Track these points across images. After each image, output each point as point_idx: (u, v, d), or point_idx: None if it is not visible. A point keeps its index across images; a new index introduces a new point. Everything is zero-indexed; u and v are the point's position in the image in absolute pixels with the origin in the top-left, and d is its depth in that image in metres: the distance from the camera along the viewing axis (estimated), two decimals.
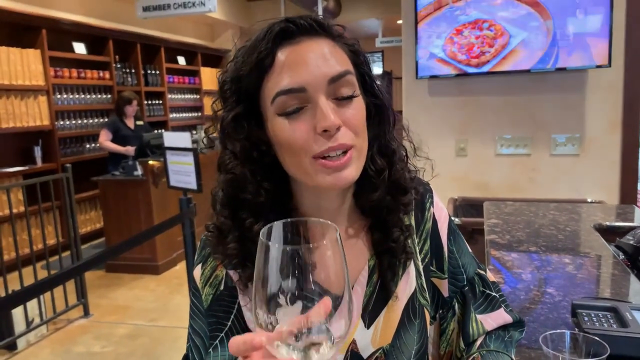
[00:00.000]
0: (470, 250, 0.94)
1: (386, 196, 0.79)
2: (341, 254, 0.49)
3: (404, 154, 0.83)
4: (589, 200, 2.75)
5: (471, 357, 0.85)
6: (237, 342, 0.51)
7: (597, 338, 0.77)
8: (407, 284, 0.83)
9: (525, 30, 2.71)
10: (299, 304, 0.47)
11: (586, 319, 1.00)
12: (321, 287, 0.49)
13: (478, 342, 0.87)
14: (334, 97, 0.71)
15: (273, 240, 0.50)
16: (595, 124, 2.80)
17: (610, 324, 0.97)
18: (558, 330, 0.80)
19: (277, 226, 0.51)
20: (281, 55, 0.70)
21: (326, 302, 0.49)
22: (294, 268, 0.47)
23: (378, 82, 0.79)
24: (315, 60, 0.69)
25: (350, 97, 0.72)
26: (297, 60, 0.69)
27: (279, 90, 0.69)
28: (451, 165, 3.04)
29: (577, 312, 1.03)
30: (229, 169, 0.74)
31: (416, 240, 0.86)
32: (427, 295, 0.86)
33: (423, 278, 0.85)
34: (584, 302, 1.06)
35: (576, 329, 1.00)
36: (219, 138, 0.77)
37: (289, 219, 0.53)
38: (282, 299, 0.47)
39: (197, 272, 0.83)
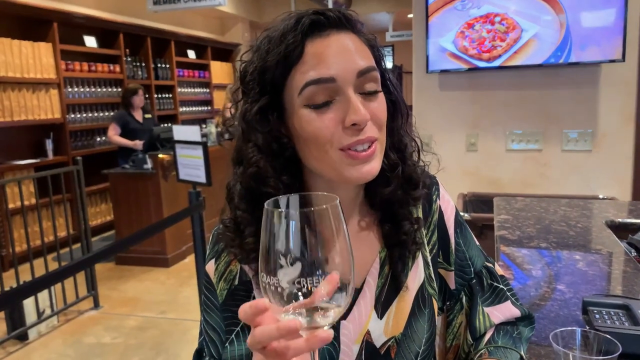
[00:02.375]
0: (477, 243, 0.94)
1: (398, 190, 0.80)
2: (341, 218, 0.52)
3: (415, 148, 0.84)
4: (600, 196, 2.72)
5: (478, 353, 0.85)
6: (244, 307, 0.52)
7: (608, 336, 0.76)
8: (417, 274, 0.84)
9: (537, 24, 2.68)
10: (298, 265, 0.50)
11: (597, 316, 0.98)
12: (322, 249, 0.51)
13: (486, 338, 0.87)
14: (361, 92, 0.71)
15: (275, 207, 0.52)
16: (608, 119, 2.76)
17: (622, 321, 0.96)
18: (569, 328, 0.79)
19: (282, 198, 0.54)
20: (310, 48, 0.70)
21: (333, 278, 0.51)
22: (295, 231, 0.50)
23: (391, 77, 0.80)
24: (344, 53, 0.70)
25: (376, 93, 0.73)
26: (327, 52, 0.70)
27: (308, 80, 0.69)
28: (461, 160, 3.02)
29: (588, 309, 1.02)
30: (252, 162, 0.73)
31: (424, 232, 0.87)
32: (435, 286, 0.87)
33: (431, 269, 0.86)
34: (595, 299, 1.05)
35: (587, 327, 0.99)
36: (240, 130, 0.76)
37: (295, 194, 0.56)
38: (282, 260, 0.50)
39: (211, 267, 0.83)
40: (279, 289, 0.50)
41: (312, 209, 0.50)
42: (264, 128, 0.73)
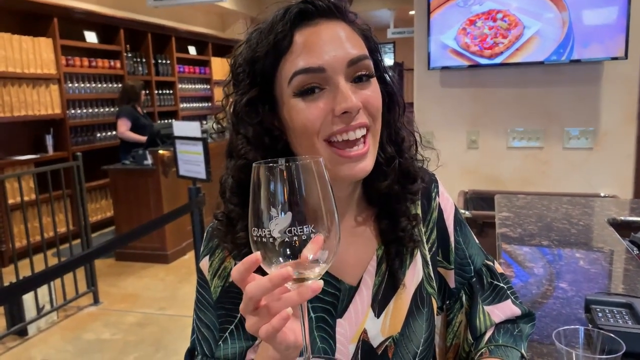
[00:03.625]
0: (477, 241, 0.93)
1: (395, 185, 0.78)
2: (324, 173, 0.54)
3: (413, 141, 0.83)
4: (602, 194, 2.72)
5: (479, 353, 0.84)
6: (237, 266, 0.53)
7: (612, 335, 0.75)
8: (415, 273, 0.83)
9: (540, 21, 2.66)
10: (289, 214, 0.52)
11: (600, 314, 0.98)
12: (309, 198, 0.53)
13: (486, 337, 0.86)
14: (352, 80, 0.70)
15: (262, 164, 0.55)
16: (610, 117, 2.75)
17: (625, 320, 0.95)
18: (572, 326, 0.78)
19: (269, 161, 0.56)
20: (299, 37, 0.69)
21: (318, 239, 0.53)
22: (282, 181, 0.52)
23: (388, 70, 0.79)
24: (334, 42, 0.69)
25: (368, 79, 0.71)
26: (316, 42, 0.69)
27: (297, 69, 0.68)
28: (462, 157, 3.01)
29: (590, 307, 1.01)
30: (241, 155, 0.72)
31: (423, 230, 0.86)
32: (434, 285, 0.85)
33: (430, 267, 0.85)
34: (598, 297, 1.04)
35: (590, 325, 0.98)
36: (230, 123, 0.75)
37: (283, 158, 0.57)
38: (273, 211, 0.52)
39: (205, 264, 0.81)
40: (271, 239, 0.52)
41: (297, 162, 0.53)
42: (254, 120, 0.72)
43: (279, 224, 0.52)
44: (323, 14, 0.71)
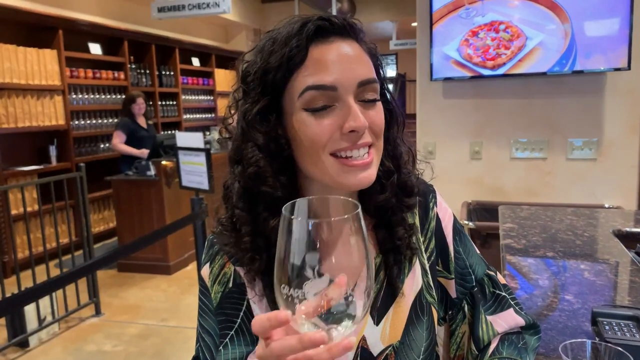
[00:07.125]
0: (477, 251, 0.93)
1: (392, 198, 0.80)
2: (362, 229, 0.51)
3: (410, 156, 0.85)
4: (606, 205, 2.70)
5: None
6: (261, 319, 0.51)
7: (620, 348, 0.74)
8: (414, 282, 0.83)
9: (542, 33, 2.67)
10: (326, 278, 0.49)
11: (607, 327, 0.96)
12: (348, 261, 0.50)
13: (491, 349, 0.85)
14: (360, 100, 0.72)
15: (296, 215, 0.51)
16: (614, 127, 2.74)
17: (632, 333, 0.94)
18: (578, 340, 0.77)
19: (301, 202, 0.52)
20: (314, 53, 0.71)
21: (341, 279, 0.50)
22: (319, 241, 0.48)
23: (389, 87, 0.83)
24: (347, 62, 0.71)
25: (374, 102, 0.74)
26: (330, 59, 0.71)
27: (309, 84, 0.70)
28: (465, 168, 3.00)
29: (597, 320, 1.00)
30: (252, 162, 0.73)
31: (421, 239, 0.86)
32: (434, 294, 0.85)
33: (429, 276, 0.85)
34: (604, 309, 1.03)
35: (597, 338, 0.97)
36: (240, 130, 0.76)
37: (312, 197, 0.54)
38: (309, 272, 0.49)
39: (205, 270, 0.84)
40: (305, 301, 0.49)
41: (337, 218, 0.49)
42: (264, 128, 0.73)
43: (314, 286, 0.49)
44: (338, 32, 0.73)
